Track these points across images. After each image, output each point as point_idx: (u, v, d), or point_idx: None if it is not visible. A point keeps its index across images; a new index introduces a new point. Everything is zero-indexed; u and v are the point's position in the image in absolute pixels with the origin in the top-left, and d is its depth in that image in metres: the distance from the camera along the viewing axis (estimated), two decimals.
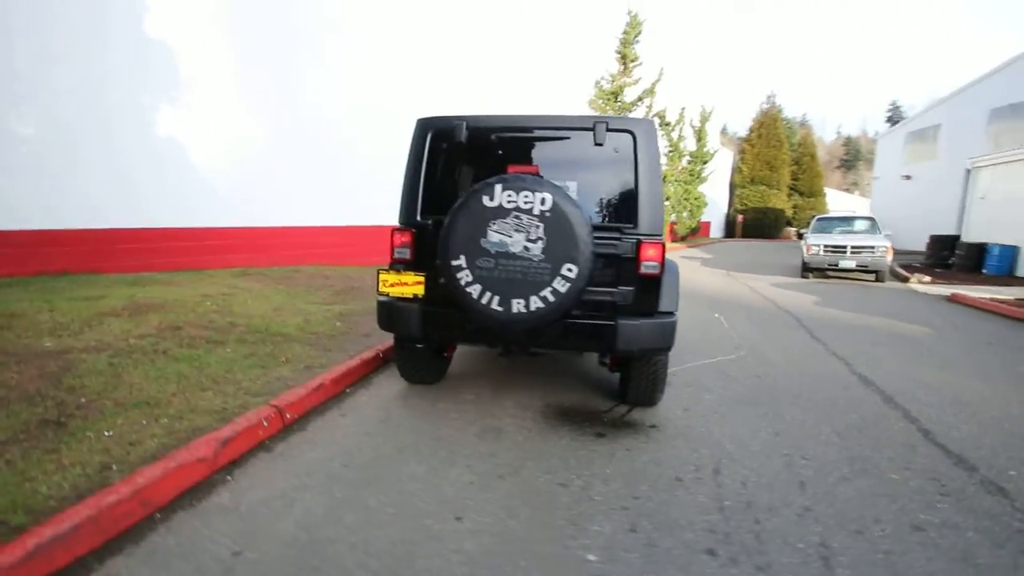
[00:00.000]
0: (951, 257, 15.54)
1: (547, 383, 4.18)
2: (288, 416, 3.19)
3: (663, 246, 3.01)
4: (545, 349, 3.33)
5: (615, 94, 15.58)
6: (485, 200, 2.83)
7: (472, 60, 12.02)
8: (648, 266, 3.00)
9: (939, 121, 20.67)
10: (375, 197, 10.75)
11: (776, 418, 3.60)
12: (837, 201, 42.62)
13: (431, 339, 3.42)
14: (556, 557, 2.06)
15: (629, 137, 3.08)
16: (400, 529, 2.19)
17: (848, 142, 37.43)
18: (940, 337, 6.59)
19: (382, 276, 3.33)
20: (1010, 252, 13.58)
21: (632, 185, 3.08)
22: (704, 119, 20.39)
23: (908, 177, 22.30)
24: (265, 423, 2.98)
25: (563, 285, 2.81)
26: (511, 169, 3.06)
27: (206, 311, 5.29)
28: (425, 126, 3.32)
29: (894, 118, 75.06)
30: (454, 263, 2.89)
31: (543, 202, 2.77)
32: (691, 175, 20.37)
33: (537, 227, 2.78)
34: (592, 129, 3.09)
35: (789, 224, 34.46)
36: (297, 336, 4.88)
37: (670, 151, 18.79)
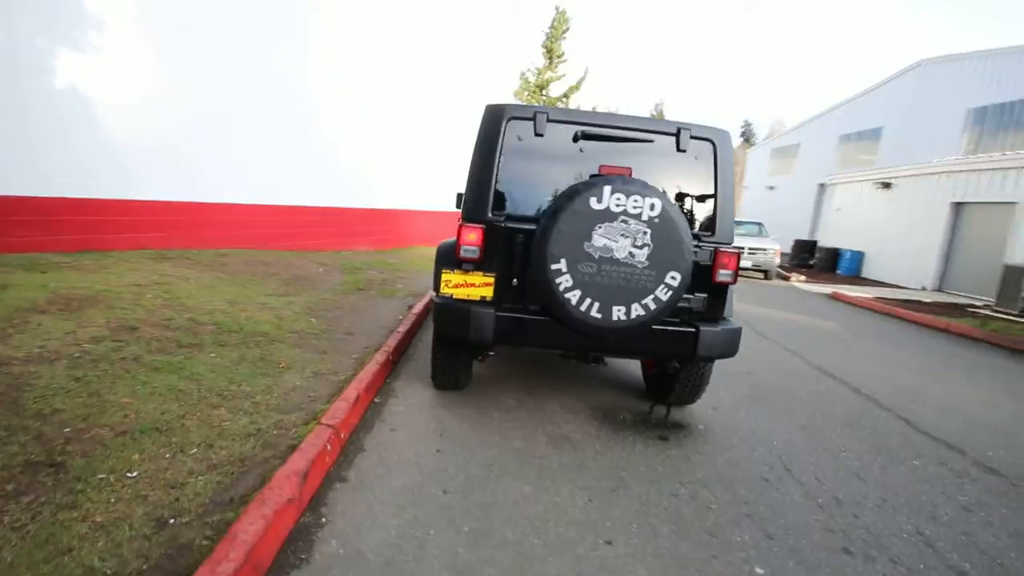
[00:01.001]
0: (811, 259, 18.23)
1: (573, 383, 4.12)
2: (342, 436, 2.75)
3: (738, 256, 3.10)
4: (620, 356, 3.27)
5: (541, 87, 15.73)
6: (593, 202, 2.67)
7: (396, 35, 11.30)
8: (723, 274, 3.07)
9: (799, 141, 24.05)
10: (326, 178, 9.77)
11: (789, 413, 3.93)
12: None
13: (500, 344, 3.17)
14: (718, 572, 2.03)
15: (709, 146, 3.10)
16: (564, 563, 2.00)
17: None
18: (847, 331, 7.71)
19: (445, 276, 3.00)
20: (858, 256, 16.31)
21: (711, 193, 3.12)
22: None
23: (772, 188, 25.67)
24: (328, 447, 2.54)
25: (665, 293, 2.76)
26: (604, 170, 2.92)
27: (153, 306, 4.36)
28: (500, 113, 3.02)
29: (746, 135, 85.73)
30: (553, 267, 2.69)
31: (652, 208, 2.68)
32: None
33: (644, 233, 2.70)
34: (676, 135, 3.06)
35: None
36: (278, 336, 4.24)
37: None
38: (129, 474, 2.14)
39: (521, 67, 16.07)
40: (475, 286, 2.98)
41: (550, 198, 2.98)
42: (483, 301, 2.99)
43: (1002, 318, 9.54)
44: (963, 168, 13.22)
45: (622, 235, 2.69)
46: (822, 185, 21.13)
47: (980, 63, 15.58)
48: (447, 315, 3.01)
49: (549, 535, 2.16)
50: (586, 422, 3.38)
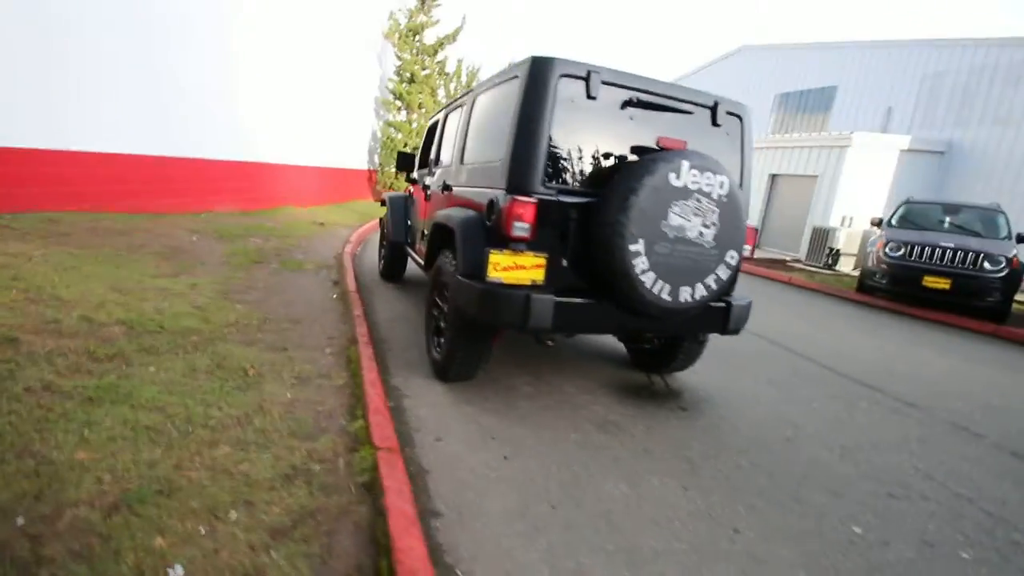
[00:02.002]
0: None
1: (561, 359, 4.01)
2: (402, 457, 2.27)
3: (755, 230, 3.22)
4: (668, 335, 3.23)
5: (414, 32, 14.47)
6: (672, 178, 2.50)
7: None
8: (745, 249, 3.17)
9: None
10: (179, 124, 7.66)
11: (748, 371, 4.35)
12: None
13: (556, 332, 2.86)
14: (837, 538, 2.16)
15: (737, 121, 3.11)
16: (731, 568, 1.93)
17: None
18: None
19: (493, 258, 2.59)
20: None
21: (738, 170, 3.15)
22: (472, 76, 20.62)
23: None
24: (407, 476, 2.07)
25: (725, 272, 2.75)
26: (663, 143, 2.74)
27: (15, 302, 3.05)
28: (549, 68, 2.61)
29: None
30: (632, 247, 2.49)
31: (722, 186, 2.61)
32: None
33: (713, 212, 2.62)
34: (713, 108, 3.00)
35: None
36: (214, 332, 3.34)
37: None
38: (173, 572, 1.48)
39: (392, 5, 14.60)
40: (526, 268, 2.64)
41: (605, 170, 2.73)
42: (533, 285, 2.66)
43: (814, 270, 11.85)
44: (778, 145, 15.80)
45: (694, 214, 2.59)
46: None
47: (787, 54, 18.55)
48: (498, 302, 2.62)
49: (686, 536, 2.07)
50: (611, 401, 3.32)
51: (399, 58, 14.81)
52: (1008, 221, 8.30)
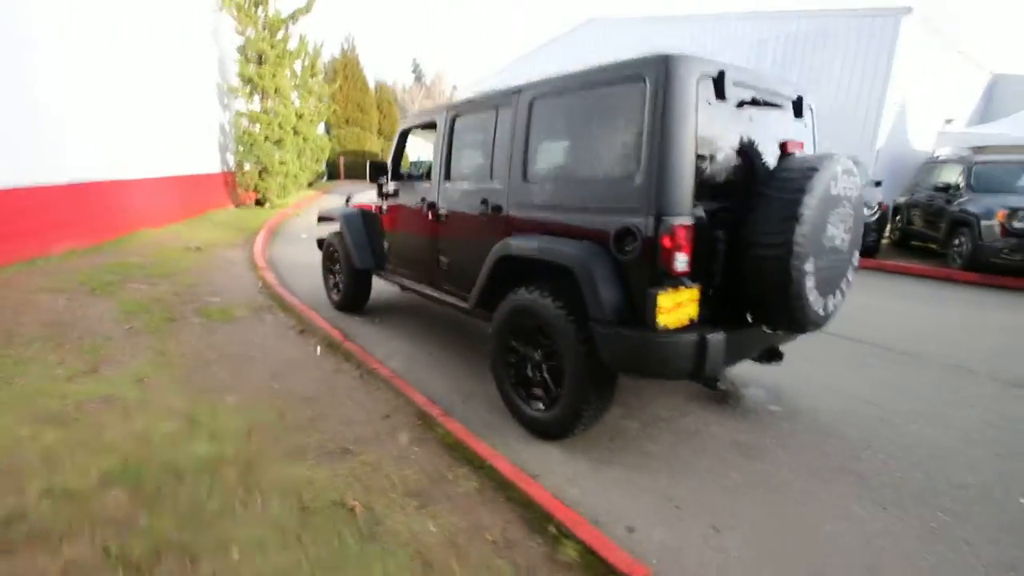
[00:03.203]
0: None
1: None
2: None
3: None
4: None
5: (256, 3, 12.25)
6: (832, 186, 2.29)
7: None
8: None
9: (500, 85, 26.20)
10: None
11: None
12: (418, 146, 48.14)
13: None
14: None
15: (811, 112, 3.00)
16: None
17: (381, 89, 41.76)
18: None
19: (662, 301, 2.15)
20: None
21: None
22: (316, 55, 18.53)
23: None
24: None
25: (851, 274, 2.67)
26: (789, 146, 2.51)
27: None
28: (688, 68, 2.18)
29: (416, 73, 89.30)
30: (807, 268, 2.25)
31: (856, 188, 2.48)
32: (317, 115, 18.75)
33: (850, 215, 2.49)
34: (798, 101, 2.85)
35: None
36: (244, 454, 2.41)
37: (299, 86, 16.53)
38: None
39: None
40: (683, 306, 2.26)
41: (744, 180, 2.43)
42: (692, 324, 2.31)
43: None
44: None
45: (841, 220, 2.43)
46: None
47: (635, 26, 19.71)
48: (667, 351, 2.21)
49: (889, 565, 1.96)
50: (711, 416, 3.11)
51: (240, 34, 12.53)
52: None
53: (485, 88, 28.06)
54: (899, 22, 13.54)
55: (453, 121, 3.49)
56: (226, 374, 3.38)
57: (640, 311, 2.25)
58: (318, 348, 3.98)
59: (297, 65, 14.96)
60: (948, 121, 16.17)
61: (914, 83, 14.37)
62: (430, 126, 3.86)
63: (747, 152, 2.46)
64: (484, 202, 3.11)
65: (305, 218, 12.85)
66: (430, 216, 3.65)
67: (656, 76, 2.20)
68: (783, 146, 2.52)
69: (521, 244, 2.72)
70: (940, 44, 15.00)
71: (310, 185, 22.65)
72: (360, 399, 3.13)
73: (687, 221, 2.20)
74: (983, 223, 7.04)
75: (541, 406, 2.78)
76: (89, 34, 7.55)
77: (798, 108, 2.86)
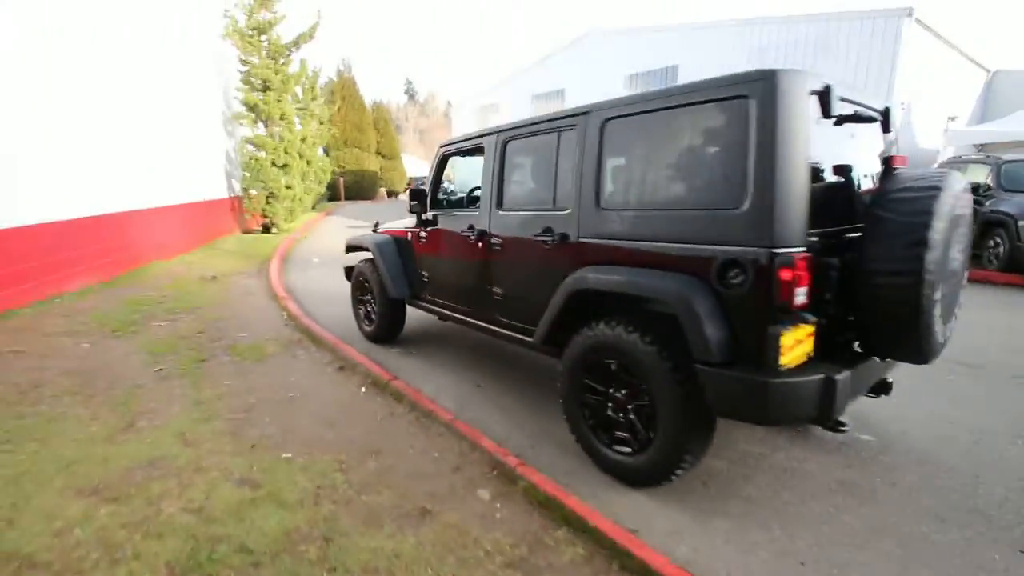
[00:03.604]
0: None
1: None
2: None
3: None
4: None
5: (260, 31, 12.16)
6: (957, 207, 2.10)
7: None
8: None
9: (498, 100, 26.24)
10: None
11: None
12: (413, 165, 48.44)
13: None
14: None
15: (890, 123, 2.83)
16: None
17: (378, 109, 41.96)
18: None
19: (785, 340, 1.95)
20: None
21: None
22: (314, 79, 18.44)
23: None
24: None
25: (961, 295, 2.47)
26: (897, 162, 2.32)
27: None
28: (799, 84, 2.00)
29: (409, 92, 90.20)
30: (936, 296, 2.05)
31: (970, 204, 2.30)
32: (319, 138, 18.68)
33: (964, 235, 2.30)
34: (885, 113, 2.67)
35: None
36: (325, 526, 2.17)
37: (301, 110, 16.44)
38: None
39: (224, 3, 12.08)
40: (802, 343, 2.06)
41: (856, 203, 2.25)
42: (809, 361, 2.10)
43: None
44: None
45: (959, 241, 2.24)
46: None
47: (633, 36, 19.76)
48: (789, 396, 2.00)
49: None
50: (801, 451, 2.90)
51: (244, 62, 12.44)
52: None
53: (484, 102, 28.18)
54: (901, 23, 13.54)
55: (505, 146, 3.31)
56: (273, 424, 3.15)
57: (752, 350, 2.04)
58: (362, 388, 3.76)
59: (298, 89, 14.89)
60: (951, 119, 16.12)
61: (917, 83, 14.35)
62: (475, 151, 3.68)
63: (848, 171, 2.27)
64: (547, 230, 2.91)
65: (314, 241, 12.67)
66: (480, 245, 3.45)
67: (763, 94, 2.02)
68: (888, 161, 2.34)
69: (603, 278, 2.51)
70: (941, 43, 14.99)
71: (313, 208, 22.56)
72: (422, 446, 2.90)
73: (805, 251, 2.01)
74: (1020, 223, 6.89)
75: (627, 450, 2.55)
76: (99, 68, 7.41)
77: (886, 120, 2.68)
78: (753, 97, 2.05)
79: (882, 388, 2.73)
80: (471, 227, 3.54)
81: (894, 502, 2.45)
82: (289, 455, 2.73)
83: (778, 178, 1.98)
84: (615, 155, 2.60)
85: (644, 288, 2.31)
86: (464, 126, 29.18)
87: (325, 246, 11.80)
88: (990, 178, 7.84)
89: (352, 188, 34.29)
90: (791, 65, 15.72)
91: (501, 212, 3.31)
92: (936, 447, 2.94)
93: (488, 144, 3.44)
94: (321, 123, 18.83)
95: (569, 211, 2.80)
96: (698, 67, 18.26)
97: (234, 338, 4.98)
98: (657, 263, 2.37)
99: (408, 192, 3.95)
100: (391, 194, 39.80)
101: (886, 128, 2.70)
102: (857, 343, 2.36)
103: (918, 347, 2.14)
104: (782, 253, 1.97)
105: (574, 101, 22.34)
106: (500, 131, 3.36)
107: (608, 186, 2.62)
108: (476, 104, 27.89)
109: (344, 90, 34.34)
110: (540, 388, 3.73)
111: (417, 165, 52.68)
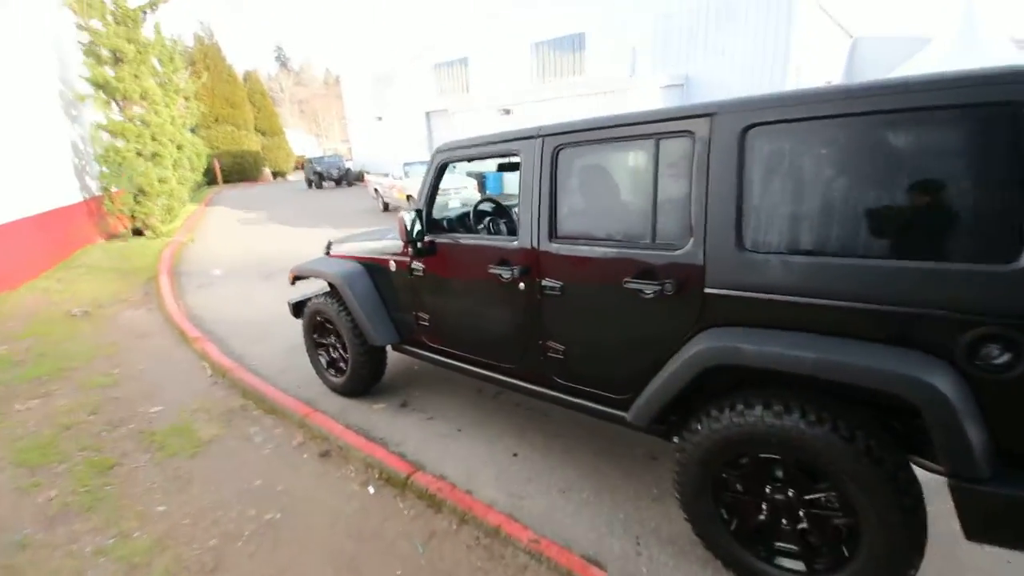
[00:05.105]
0: None
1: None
2: None
3: None
4: None
5: None
6: None
7: None
8: None
9: (393, 69, 24.07)
10: None
11: None
12: (299, 141, 43.96)
13: None
14: None
15: None
16: None
17: (251, 80, 37.25)
18: None
19: None
20: (497, 177, 18.47)
21: None
22: (174, 47, 15.47)
23: (380, 118, 25.36)
24: None
25: None
26: None
27: None
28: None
29: (281, 59, 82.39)
30: None
31: None
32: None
33: None
34: None
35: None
36: None
37: (162, 85, 13.61)
38: None
39: None
40: None
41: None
42: None
43: None
44: (545, 98, 16.24)
45: None
46: (428, 114, 22.36)
47: (538, 4, 18.85)
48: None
49: None
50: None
51: (83, 29, 9.81)
52: None
53: (378, 71, 25.84)
54: None
55: (556, 154, 2.42)
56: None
57: None
58: (370, 487, 2.79)
59: (154, 61, 12.26)
60: (828, 83, 17.45)
61: (805, 51, 15.20)
62: (500, 157, 2.77)
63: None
64: (647, 274, 2.14)
65: (206, 244, 10.66)
66: (522, 286, 2.59)
67: (998, 97, 1.40)
68: None
69: (775, 352, 1.79)
70: (818, 9, 15.85)
71: (189, 198, 19.44)
72: None
73: None
74: None
75: (801, 566, 1.95)
76: None
77: None
78: (979, 103, 1.43)
79: None
80: (503, 262, 2.65)
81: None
82: None
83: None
84: (765, 178, 1.85)
85: (858, 373, 1.64)
86: (361, 98, 26.63)
87: (223, 249, 9.93)
88: None
89: (231, 170, 30.34)
90: (693, 34, 15.94)
91: (556, 245, 2.46)
92: None
93: (527, 151, 2.53)
94: (187, 99, 15.95)
95: (684, 250, 2.04)
96: (603, 33, 17.98)
97: (146, 417, 3.66)
98: (856, 331, 1.71)
99: (408, 218, 2.89)
100: (277, 175, 35.93)
101: None
102: None
103: None
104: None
105: (478, 72, 21.08)
106: (546, 134, 2.46)
107: (757, 220, 1.88)
108: (369, 74, 25.52)
109: (208, 59, 29.94)
110: (591, 443, 3.03)
111: (304, 141, 47.81)
